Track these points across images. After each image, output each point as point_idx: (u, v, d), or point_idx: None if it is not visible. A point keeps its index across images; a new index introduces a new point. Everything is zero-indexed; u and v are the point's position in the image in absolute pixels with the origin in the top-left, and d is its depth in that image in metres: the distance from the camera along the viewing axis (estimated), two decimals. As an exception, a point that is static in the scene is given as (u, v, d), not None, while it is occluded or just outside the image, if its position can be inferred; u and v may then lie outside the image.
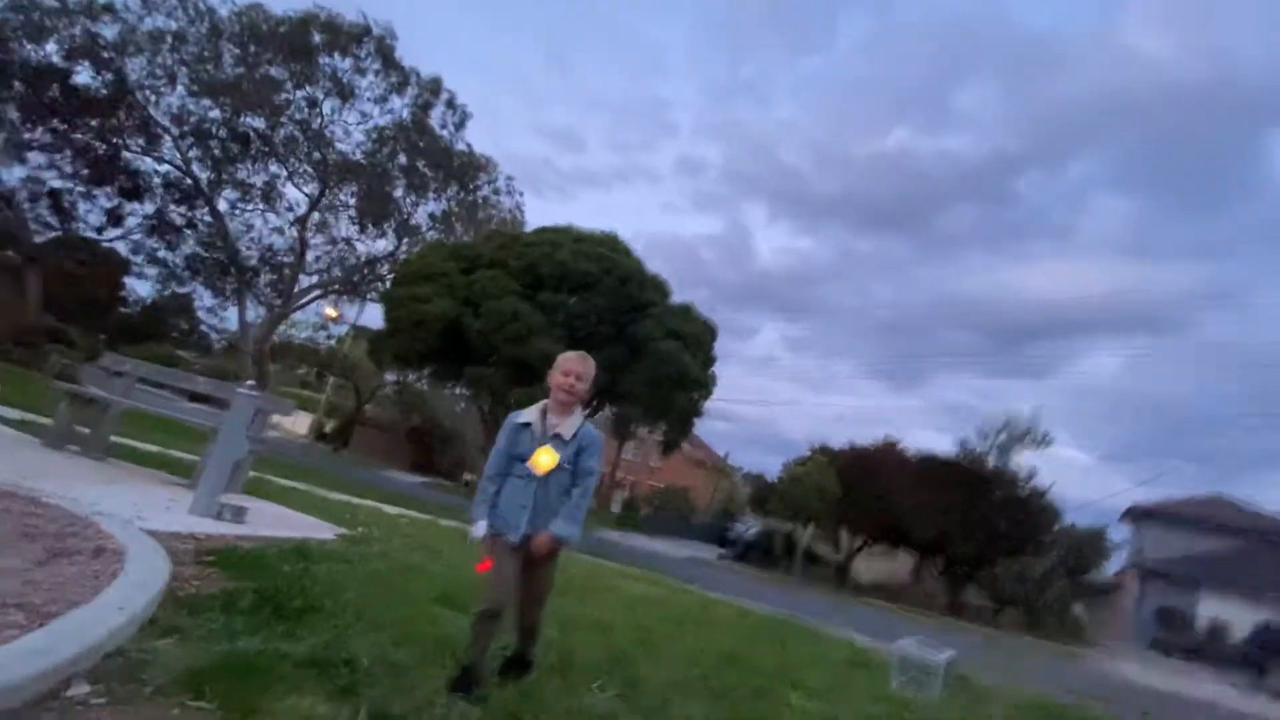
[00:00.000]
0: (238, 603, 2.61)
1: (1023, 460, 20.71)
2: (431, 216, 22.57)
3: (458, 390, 21.06)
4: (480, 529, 2.44)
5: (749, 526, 24.39)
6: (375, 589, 3.69)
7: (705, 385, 17.64)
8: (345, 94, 20.74)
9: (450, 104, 21.50)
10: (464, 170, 21.71)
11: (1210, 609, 21.94)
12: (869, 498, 19.58)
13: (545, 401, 2.58)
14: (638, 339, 15.09)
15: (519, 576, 2.46)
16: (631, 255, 16.25)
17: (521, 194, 23.44)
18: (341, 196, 22.32)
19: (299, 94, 20.49)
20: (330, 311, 27.13)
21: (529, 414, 2.56)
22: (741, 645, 5.04)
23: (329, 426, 30.64)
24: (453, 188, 22.10)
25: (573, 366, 2.54)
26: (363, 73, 20.79)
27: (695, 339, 16.73)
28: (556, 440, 2.48)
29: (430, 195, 22.14)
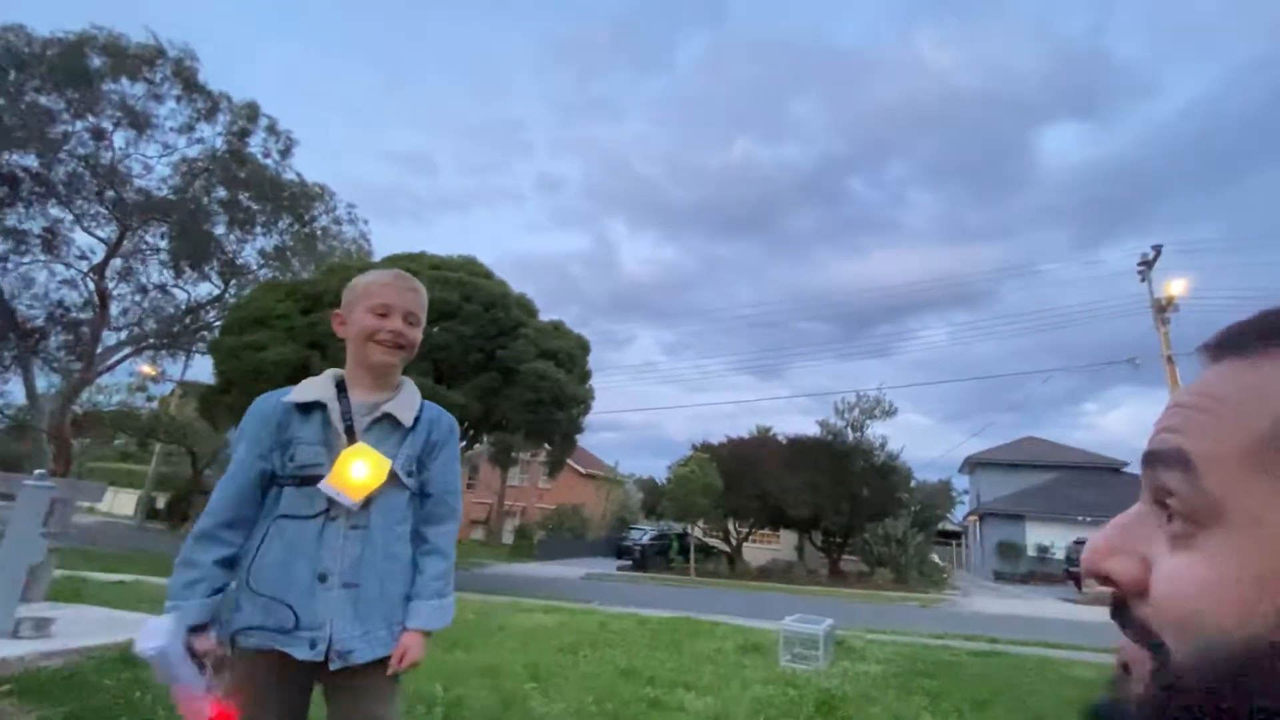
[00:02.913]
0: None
1: (876, 431, 22.94)
2: (262, 253, 20.54)
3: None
4: (158, 636, 1.15)
5: (644, 533, 24.68)
6: None
7: (584, 400, 17.64)
8: (140, 124, 18.32)
9: (272, 130, 19.73)
10: (296, 201, 19.98)
11: (1036, 536, 25.58)
12: (749, 486, 20.62)
13: (335, 371, 1.46)
14: (509, 362, 14.77)
15: None
16: (494, 277, 15.90)
17: (366, 222, 22.03)
18: (149, 239, 19.66)
19: (79, 125, 17.80)
20: (148, 370, 23.77)
21: (309, 388, 1.40)
22: (637, 658, 5.09)
23: (161, 501, 26.74)
24: (284, 220, 20.26)
25: (399, 298, 1.42)
26: (160, 99, 18.50)
27: (569, 355, 16.69)
28: (383, 428, 1.39)
29: (258, 230, 20.13)
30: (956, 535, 35.47)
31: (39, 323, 18.70)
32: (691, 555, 21.83)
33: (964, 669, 5.58)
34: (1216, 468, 0.30)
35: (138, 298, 20.02)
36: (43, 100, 17.13)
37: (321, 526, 1.31)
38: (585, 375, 17.83)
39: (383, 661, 1.32)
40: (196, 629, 1.23)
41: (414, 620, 1.36)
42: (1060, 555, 23.51)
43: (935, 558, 22.13)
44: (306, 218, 20.53)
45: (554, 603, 9.43)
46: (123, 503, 26.80)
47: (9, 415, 21.64)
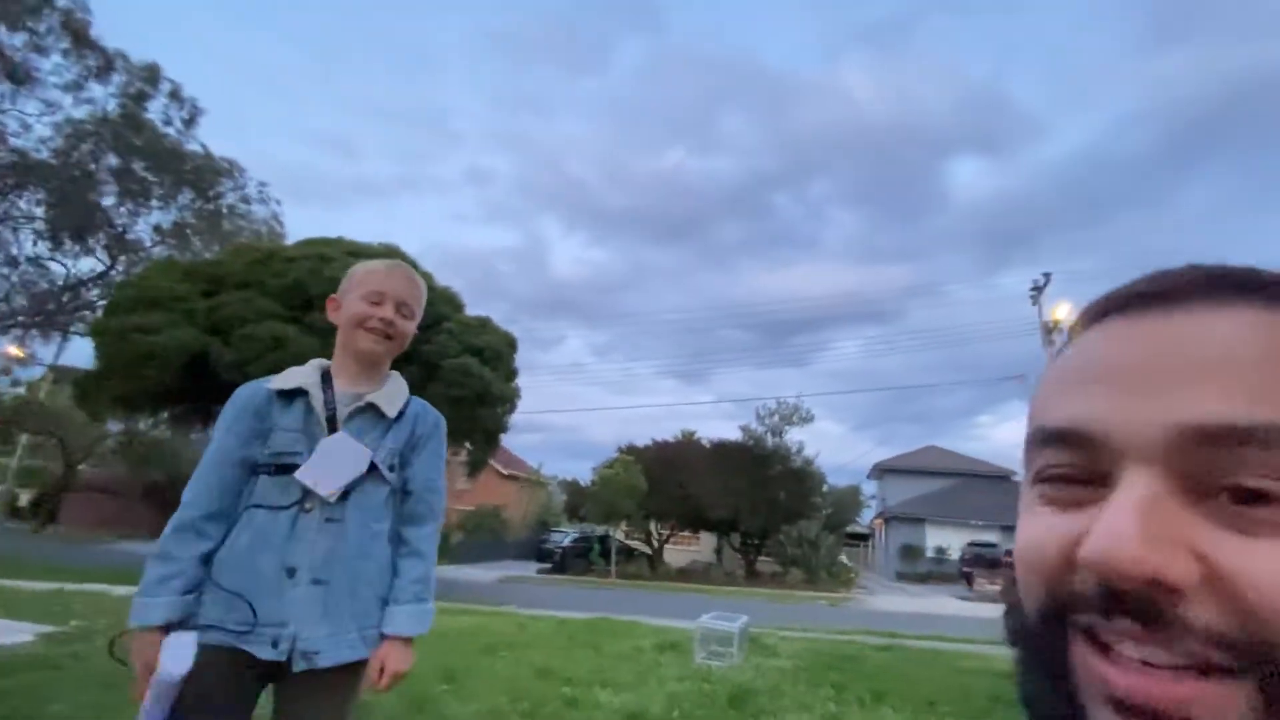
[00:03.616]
0: None
1: (793, 437, 23.84)
2: (158, 229, 18.87)
3: (208, 436, 17.83)
4: (186, 660, 1.12)
5: (566, 535, 24.47)
6: (97, 694, 2.98)
7: (509, 399, 17.30)
8: (19, 77, 16.44)
9: (175, 96, 18.17)
10: (200, 174, 18.48)
11: (935, 539, 27.35)
12: (671, 488, 20.89)
13: (321, 361, 1.41)
14: (431, 357, 14.27)
15: None
16: (417, 267, 15.41)
17: (280, 202, 20.68)
18: (22, 205, 17.65)
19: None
20: (14, 351, 21.33)
21: (292, 375, 1.35)
22: (555, 658, 5.03)
23: (24, 499, 23.98)
24: (186, 195, 18.70)
25: (393, 286, 1.37)
26: (43, 52, 16.68)
27: (495, 353, 16.32)
28: (366, 419, 1.34)
29: (154, 204, 18.48)
30: (864, 537, 37.39)
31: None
32: (613, 557, 21.85)
33: (866, 662, 5.87)
34: None
35: (5, 270, 17.92)
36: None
37: (294, 518, 1.24)
38: (511, 374, 17.50)
39: (349, 666, 1.24)
40: (169, 628, 1.15)
41: (391, 625, 1.26)
42: (956, 556, 25.24)
43: (844, 559, 23.23)
44: (211, 194, 19.02)
45: (470, 605, 9.17)
46: (-24, 500, 23.82)
47: None
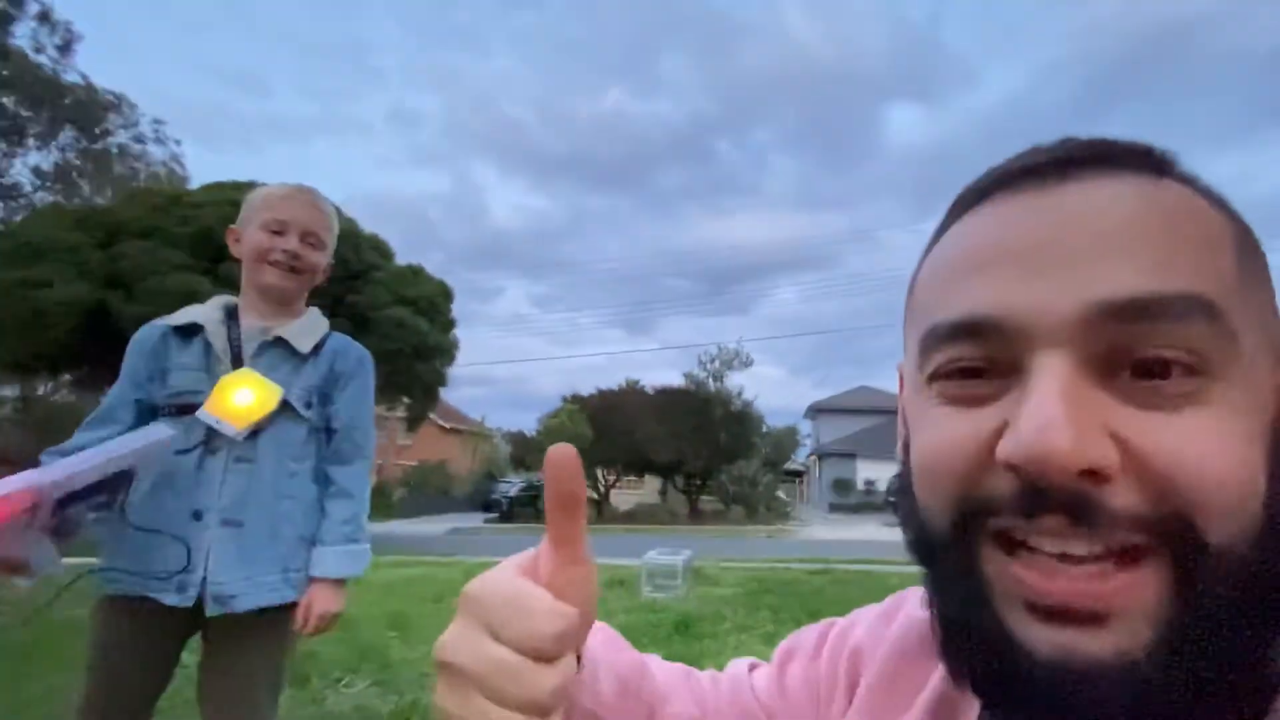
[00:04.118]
0: None
1: (734, 381, 24.49)
2: (38, 172, 16.94)
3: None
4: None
5: (513, 485, 24.58)
6: (12, 664, 2.84)
7: (447, 351, 16.87)
8: None
9: (45, 19, 16.01)
10: (81, 109, 16.54)
11: (865, 473, 29.09)
12: (617, 435, 21.20)
13: (225, 298, 1.33)
14: (361, 309, 13.66)
15: (160, 681, 1.20)
16: (340, 214, 14.50)
17: (179, 143, 18.86)
18: None
19: None
20: None
21: (189, 312, 1.28)
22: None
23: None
24: (68, 133, 16.77)
25: (296, 214, 1.29)
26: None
27: (430, 303, 15.78)
28: (276, 355, 1.27)
29: (31, 142, 16.51)
30: (800, 474, 39.35)
31: None
32: (560, 504, 22.15)
33: (802, 586, 6.26)
34: (1229, 303, 0.24)
35: None
36: None
37: (200, 459, 1.18)
38: (449, 324, 17.02)
39: (274, 610, 1.19)
40: None
41: (319, 567, 1.22)
42: (883, 488, 26.99)
43: (781, 494, 24.44)
44: (97, 131, 17.11)
45: (416, 557, 9.15)
46: None
47: None
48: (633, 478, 24.40)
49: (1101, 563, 0.24)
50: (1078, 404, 0.24)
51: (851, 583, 6.64)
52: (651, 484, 25.36)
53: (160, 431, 1.12)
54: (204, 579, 1.15)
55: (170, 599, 1.14)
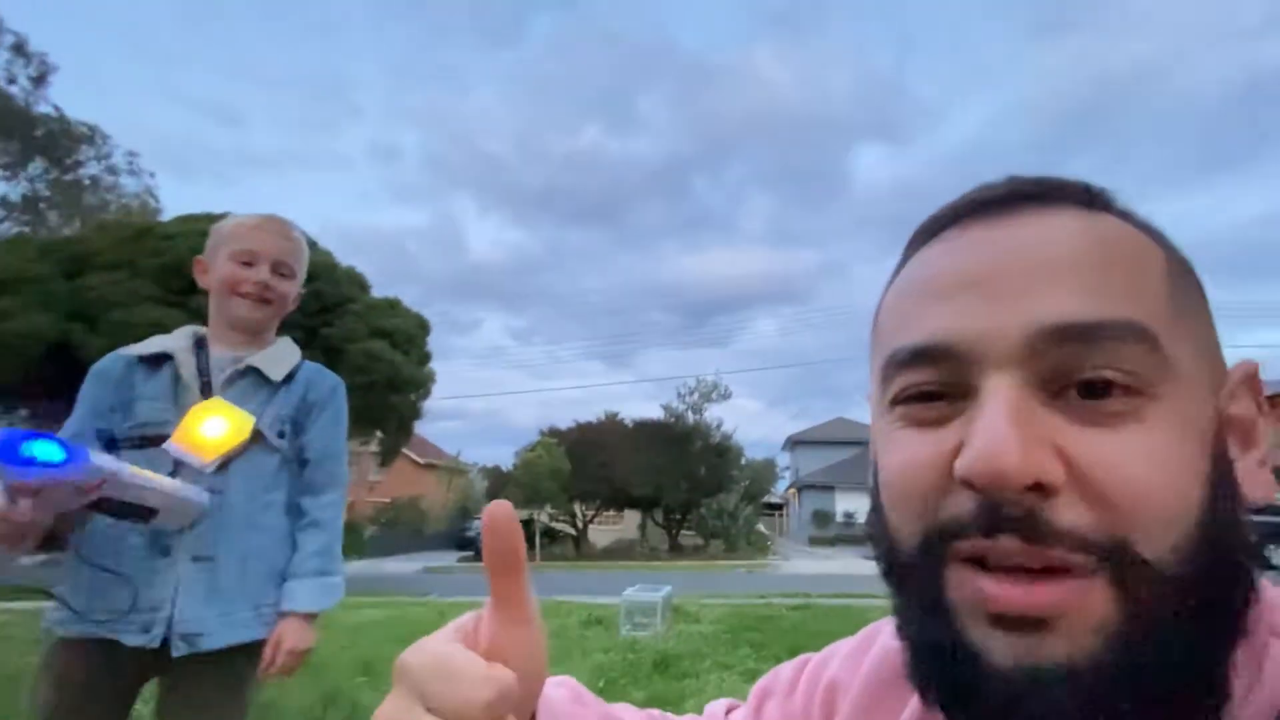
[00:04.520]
0: None
1: (713, 414, 24.54)
2: (5, 203, 16.61)
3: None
4: None
5: (486, 521, 24.06)
6: None
7: (422, 384, 16.67)
8: None
9: (20, 50, 15.92)
10: (52, 140, 16.34)
11: (844, 504, 29.11)
12: (595, 469, 20.99)
13: (193, 328, 1.30)
14: (335, 341, 13.47)
15: None
16: (316, 246, 14.41)
17: (153, 175, 18.72)
18: None
19: None
20: None
21: (156, 341, 1.26)
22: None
23: None
24: (37, 164, 16.52)
25: (265, 244, 1.26)
26: None
27: (405, 336, 15.64)
28: (247, 384, 1.23)
29: (0, 173, 16.22)
30: (779, 507, 39.23)
31: None
32: (538, 540, 21.74)
33: (782, 621, 6.19)
34: (1162, 327, 0.26)
35: None
36: None
37: None
38: (425, 357, 16.85)
39: (241, 649, 1.13)
40: None
41: (290, 601, 1.17)
42: (862, 519, 27.00)
43: (761, 528, 24.30)
44: (68, 162, 16.89)
45: (388, 598, 8.85)
46: None
47: None
48: (611, 512, 24.08)
49: (1053, 575, 0.25)
50: (1024, 421, 0.25)
51: (833, 617, 6.58)
52: (631, 519, 25.04)
53: (201, 496, 1.10)
54: (170, 617, 1.09)
55: (133, 639, 1.08)
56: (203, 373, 1.21)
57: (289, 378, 1.27)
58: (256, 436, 1.19)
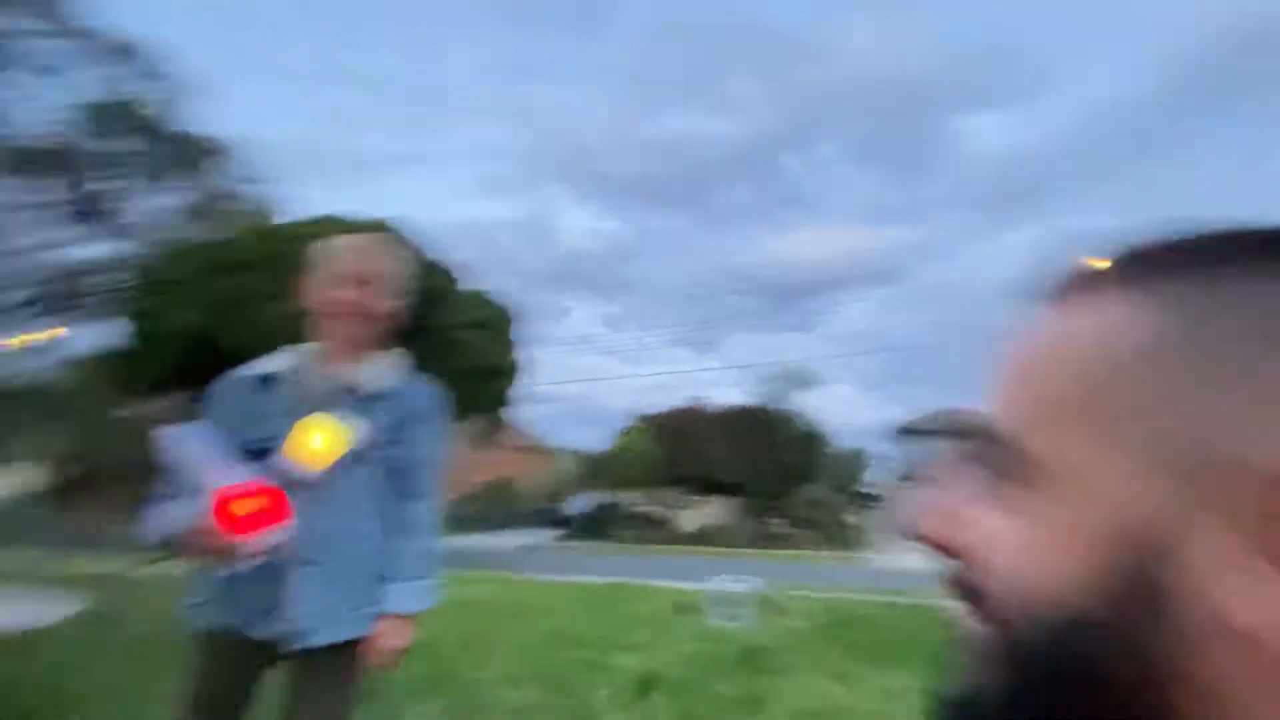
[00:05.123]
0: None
1: (801, 400, 23.89)
2: (164, 212, 18.84)
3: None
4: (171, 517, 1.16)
5: (581, 503, 24.81)
6: (134, 662, 3.08)
7: (513, 371, 17.42)
8: (7, 63, 16.22)
9: (164, 76, 17.93)
10: (201, 155, 18.35)
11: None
12: (684, 454, 21.11)
13: (306, 345, 1.40)
14: (431, 332, 14.32)
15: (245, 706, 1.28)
16: (410, 243, 15.33)
17: (272, 182, 20.57)
18: (29, 192, 17.63)
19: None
20: (43, 334, 21.44)
21: (270, 360, 1.37)
22: (572, 623, 5.12)
23: (49, 482, 24.53)
24: (193, 176, 18.61)
25: (356, 265, 1.34)
26: (28, 35, 16.43)
27: (497, 325, 16.41)
28: (349, 399, 1.31)
29: (162, 186, 18.40)
30: (875, 497, 37.73)
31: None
32: (628, 523, 22.19)
33: (877, 620, 5.95)
34: (1036, 428, 0.27)
35: (14, 257, 17.97)
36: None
37: None
38: (516, 345, 17.57)
39: (347, 645, 1.25)
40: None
41: (390, 604, 1.27)
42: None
43: (855, 518, 23.46)
44: (216, 174, 18.92)
45: (487, 574, 9.35)
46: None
47: None
48: (700, 498, 24.14)
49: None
50: (953, 491, 0.29)
51: (930, 617, 6.25)
52: (719, 505, 24.99)
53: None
54: (285, 616, 1.22)
55: (256, 633, 1.23)
56: (308, 389, 1.31)
57: (390, 391, 1.35)
58: (358, 448, 1.27)
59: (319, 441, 1.23)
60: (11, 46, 16.24)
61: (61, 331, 21.15)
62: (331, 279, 1.33)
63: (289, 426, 1.25)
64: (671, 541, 21.62)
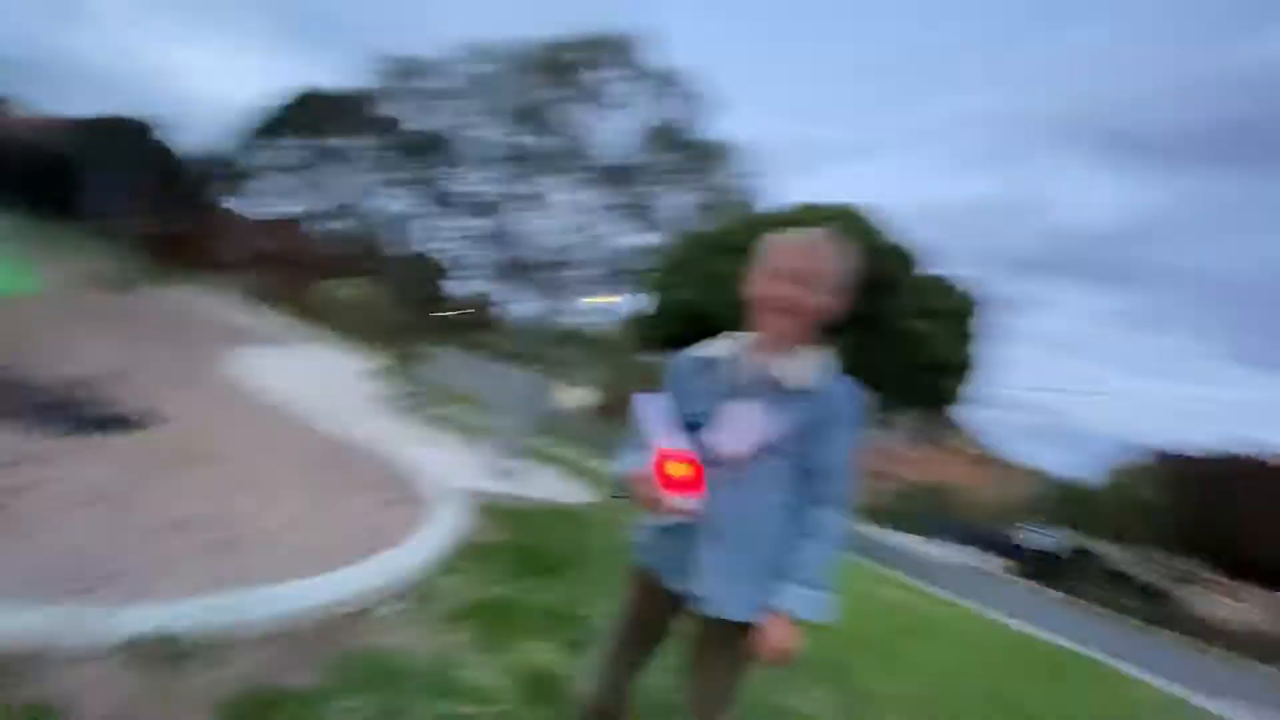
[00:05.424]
0: (507, 553, 3.19)
1: None
2: (686, 208, 24.21)
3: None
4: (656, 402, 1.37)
5: (1044, 538, 20.73)
6: (620, 534, 3.98)
7: (967, 367, 15.60)
8: (598, 101, 23.25)
9: (696, 96, 22.65)
10: (709, 160, 22.83)
11: None
12: (1213, 517, 15.24)
13: (744, 333, 1.46)
14: (878, 320, 13.94)
15: (653, 646, 1.46)
16: (871, 227, 15.07)
17: (761, 176, 23.65)
18: (600, 199, 25.09)
19: (569, 107, 23.69)
20: (603, 298, 30.48)
21: (709, 345, 1.47)
22: (997, 674, 4.43)
23: (597, 401, 34.89)
24: (699, 178, 23.38)
25: (791, 261, 1.38)
26: (611, 79, 23.13)
27: (951, 315, 14.89)
28: (769, 392, 1.36)
29: (679, 188, 23.70)
30: None
31: (546, 260, 25.84)
32: (1107, 584, 17.46)
33: None
34: None
35: (592, 245, 25.88)
36: (543, 94, 23.24)
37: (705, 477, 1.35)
38: (974, 338, 15.64)
39: (744, 626, 1.32)
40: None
41: (779, 600, 1.28)
42: None
43: None
44: (722, 174, 23.44)
45: (899, 576, 8.86)
46: (573, 399, 36.07)
47: (521, 327, 30.71)
48: (1226, 581, 17.07)
49: None
50: None
51: None
52: (1259, 599, 17.17)
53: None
54: (692, 579, 1.35)
55: (672, 584, 1.38)
56: (737, 377, 1.39)
57: (812, 388, 1.35)
58: (774, 441, 1.32)
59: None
60: (601, 89, 23.13)
61: (617, 298, 29.43)
62: (771, 273, 1.37)
63: (717, 409, 1.36)
64: (1173, 625, 16.04)
